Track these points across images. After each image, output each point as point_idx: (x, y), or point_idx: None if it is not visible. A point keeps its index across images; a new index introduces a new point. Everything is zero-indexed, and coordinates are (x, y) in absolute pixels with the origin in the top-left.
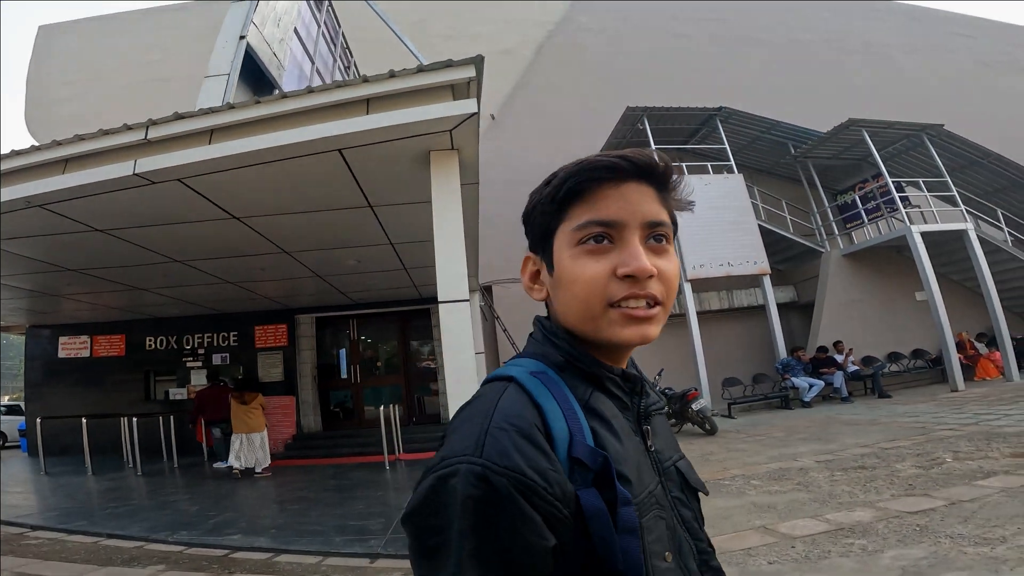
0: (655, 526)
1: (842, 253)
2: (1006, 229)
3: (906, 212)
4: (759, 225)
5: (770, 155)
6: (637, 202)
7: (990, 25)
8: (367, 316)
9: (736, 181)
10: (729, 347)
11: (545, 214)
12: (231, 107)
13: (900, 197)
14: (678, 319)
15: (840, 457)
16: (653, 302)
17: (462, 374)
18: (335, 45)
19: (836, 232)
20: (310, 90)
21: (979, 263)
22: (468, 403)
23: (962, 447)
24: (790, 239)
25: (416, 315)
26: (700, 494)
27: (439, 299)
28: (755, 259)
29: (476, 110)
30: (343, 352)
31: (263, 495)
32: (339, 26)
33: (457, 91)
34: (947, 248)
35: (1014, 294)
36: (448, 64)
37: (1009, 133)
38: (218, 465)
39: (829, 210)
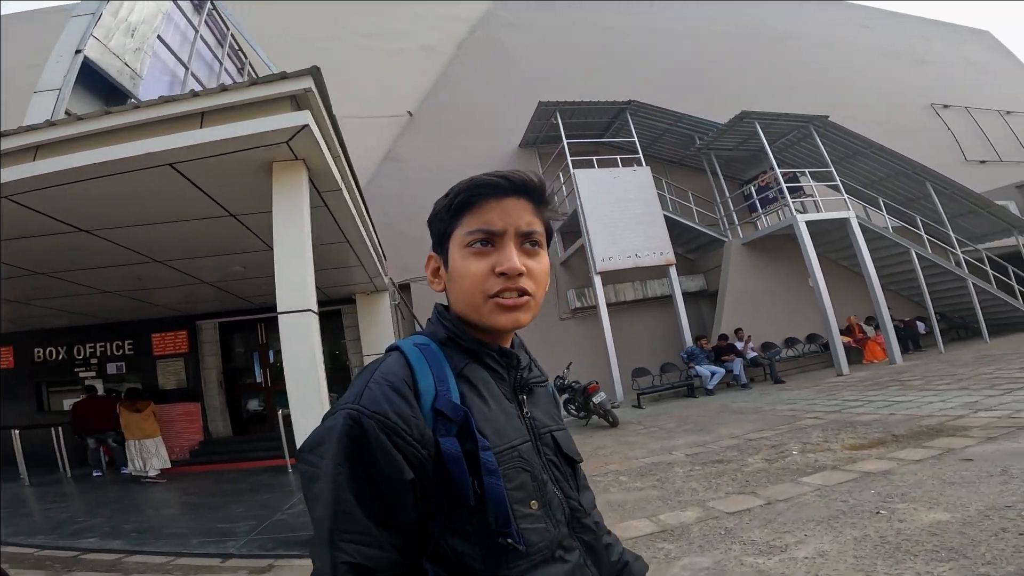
0: (516, 476)
1: (742, 242)
2: (887, 216)
3: (801, 202)
4: (667, 216)
5: (679, 147)
6: (514, 214)
7: (887, 16)
8: (275, 320)
9: (644, 174)
10: (643, 337)
11: (442, 221)
12: (51, 124)
13: (795, 187)
14: (590, 311)
15: (709, 450)
16: (523, 293)
17: (305, 384)
18: (223, 48)
19: (736, 222)
20: (136, 105)
21: (860, 249)
22: (367, 366)
23: (814, 438)
24: (697, 229)
25: (326, 316)
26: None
27: (278, 309)
28: (662, 250)
29: (307, 122)
30: (256, 356)
31: (146, 501)
32: (227, 28)
33: (301, 102)
34: (835, 236)
35: (899, 278)
36: (283, 76)
37: (902, 122)
38: (126, 471)
39: (730, 200)
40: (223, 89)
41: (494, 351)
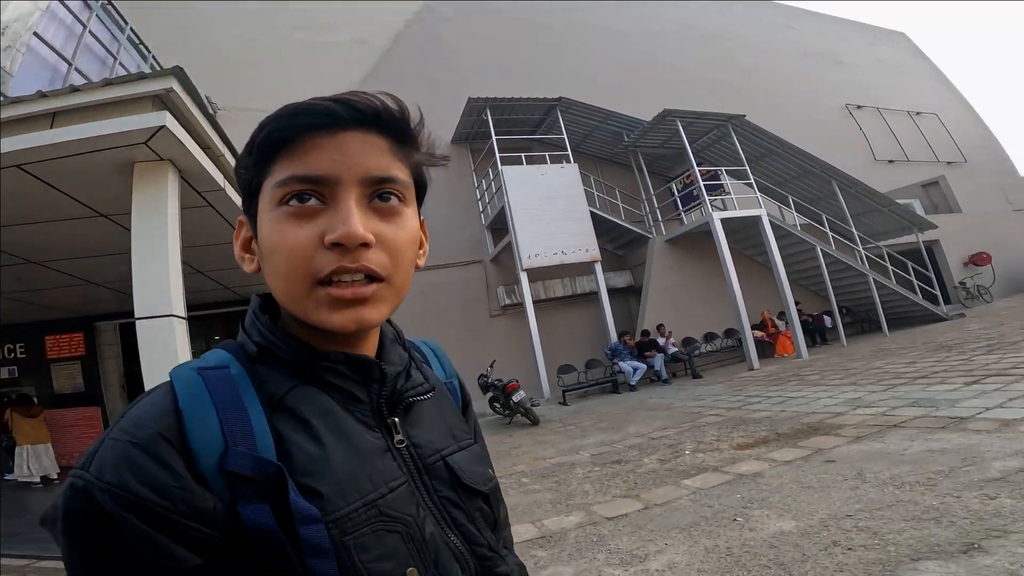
0: (377, 544)
1: (665, 239)
2: (795, 214)
3: (722, 200)
4: (594, 213)
5: (610, 144)
6: (357, 154)
7: (811, 17)
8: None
9: (572, 171)
10: (572, 333)
11: (246, 168)
12: None
13: (716, 185)
14: (519, 308)
15: (613, 449)
16: (371, 278)
17: None
18: (118, 43)
19: (660, 219)
20: None
21: (770, 246)
22: (136, 400)
23: (708, 436)
24: (624, 226)
25: (240, 316)
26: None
27: (135, 315)
28: (587, 247)
29: (164, 123)
30: None
31: (27, 506)
32: (126, 23)
33: (165, 102)
34: (749, 233)
35: (807, 274)
36: (141, 76)
37: (818, 122)
38: (10, 477)
39: (655, 197)
40: (73, 90)
41: (339, 362)
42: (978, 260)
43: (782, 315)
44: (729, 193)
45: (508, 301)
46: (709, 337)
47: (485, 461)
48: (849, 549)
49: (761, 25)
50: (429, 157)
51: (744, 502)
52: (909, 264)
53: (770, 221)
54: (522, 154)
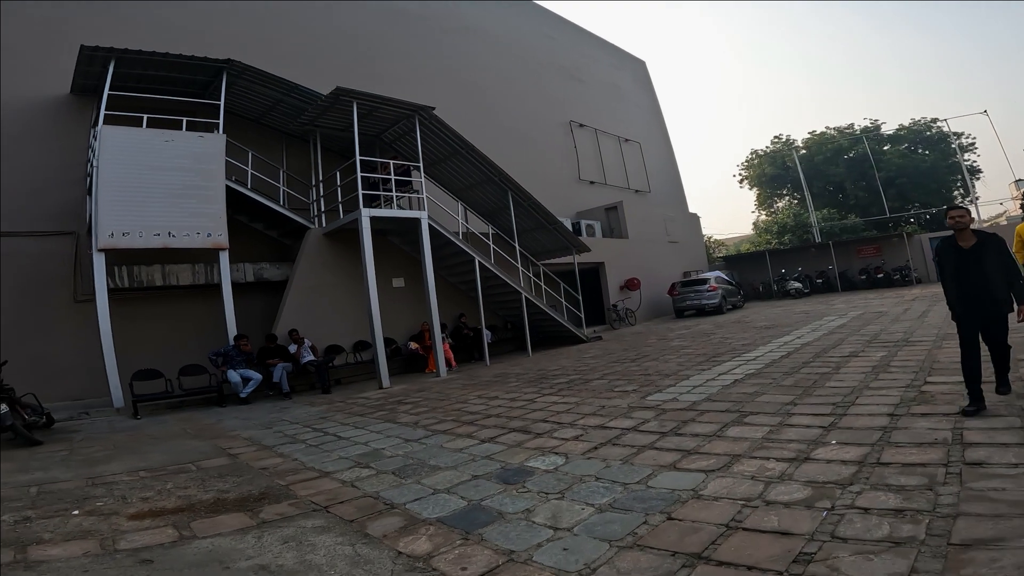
0: None
1: (323, 232)
2: (461, 222)
3: (409, 197)
4: (236, 191)
5: (293, 121)
6: None
7: (571, 29)
8: None
9: (214, 142)
10: (196, 331)
11: None
12: None
13: (406, 180)
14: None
15: (57, 490)
16: None
17: None
18: None
19: (324, 209)
20: None
21: (424, 251)
22: None
23: (134, 495)
24: (280, 211)
25: None
26: None
27: None
28: (211, 230)
29: None
30: None
31: None
32: None
33: None
34: (415, 236)
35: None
36: None
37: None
38: None
39: (322, 184)
40: None
41: None
42: (630, 285)
43: (444, 327)
44: (417, 192)
45: (113, 285)
46: (361, 346)
47: None
48: None
49: (520, 28)
50: None
51: None
52: (561, 284)
53: (430, 227)
54: (144, 116)
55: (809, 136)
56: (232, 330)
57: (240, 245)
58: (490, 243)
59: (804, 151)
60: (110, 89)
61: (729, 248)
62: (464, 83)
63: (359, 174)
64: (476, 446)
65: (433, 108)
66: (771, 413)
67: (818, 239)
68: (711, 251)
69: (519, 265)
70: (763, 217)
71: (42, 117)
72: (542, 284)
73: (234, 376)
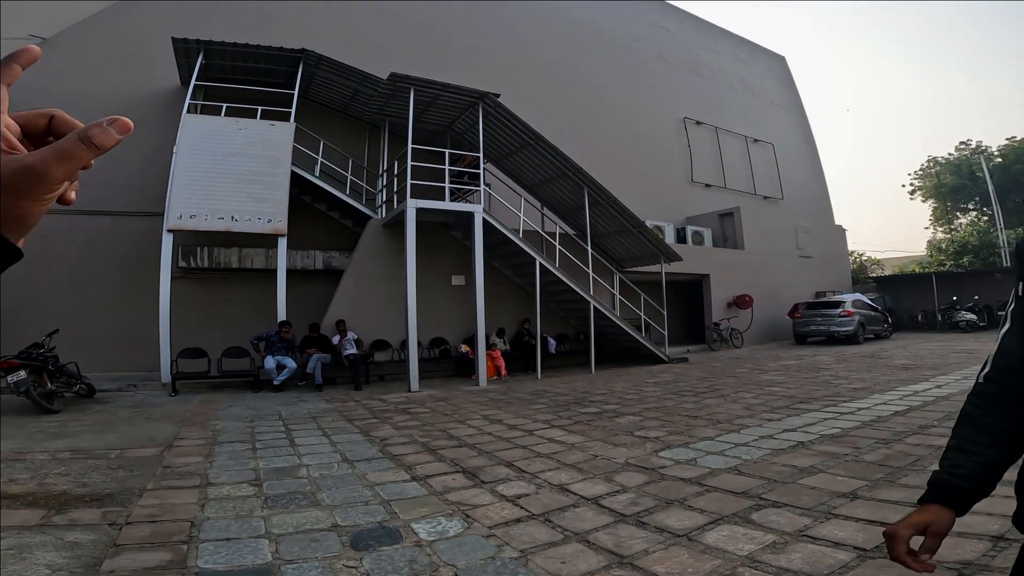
0: None
1: (382, 222)
2: (523, 218)
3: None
4: (302, 176)
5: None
6: None
7: (691, 21)
8: None
9: (282, 131)
10: (252, 314)
11: None
12: None
13: (475, 174)
14: (209, 274)
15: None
16: None
17: None
18: None
19: (385, 199)
20: None
21: (475, 248)
22: None
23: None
24: (343, 199)
25: None
26: None
27: None
28: (272, 216)
29: None
30: None
31: None
32: None
33: None
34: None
35: (547, 290)
36: None
37: (652, 132)
38: None
39: (385, 175)
40: None
41: None
42: (740, 302)
43: (502, 332)
44: (489, 186)
45: (185, 264)
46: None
47: None
48: None
49: (629, 21)
50: None
51: None
52: (642, 296)
53: (487, 222)
54: (223, 105)
55: (1007, 143)
56: (281, 315)
57: (313, 233)
58: (556, 243)
59: (999, 159)
60: (201, 80)
61: (895, 268)
62: (564, 75)
63: (409, 163)
64: (393, 485)
65: (498, 95)
66: (803, 509)
67: (1006, 263)
68: (866, 270)
69: (589, 271)
70: (939, 235)
71: (153, 107)
72: (616, 294)
73: (269, 362)
